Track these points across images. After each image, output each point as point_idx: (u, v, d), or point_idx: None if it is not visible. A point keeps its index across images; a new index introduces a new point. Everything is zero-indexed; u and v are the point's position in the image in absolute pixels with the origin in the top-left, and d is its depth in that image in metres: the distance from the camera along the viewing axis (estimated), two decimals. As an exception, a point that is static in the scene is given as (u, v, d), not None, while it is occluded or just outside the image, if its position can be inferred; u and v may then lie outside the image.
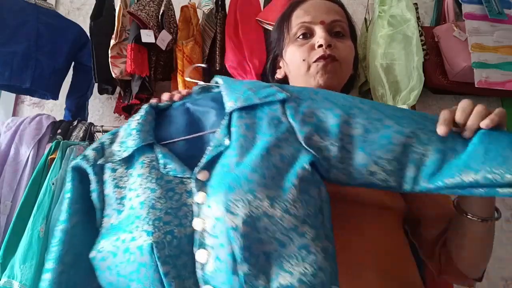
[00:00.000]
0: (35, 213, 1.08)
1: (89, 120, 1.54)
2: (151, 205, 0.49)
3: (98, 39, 1.45)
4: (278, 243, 0.43)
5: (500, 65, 1.39)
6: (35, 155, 1.30)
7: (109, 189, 0.55)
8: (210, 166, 0.51)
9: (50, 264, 0.52)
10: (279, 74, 0.79)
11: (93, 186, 0.56)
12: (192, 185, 0.51)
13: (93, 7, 1.52)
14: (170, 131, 0.61)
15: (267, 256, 0.43)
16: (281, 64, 0.78)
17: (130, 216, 0.50)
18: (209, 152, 0.52)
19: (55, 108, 1.73)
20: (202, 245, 0.46)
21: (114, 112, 1.62)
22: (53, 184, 1.13)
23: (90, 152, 0.59)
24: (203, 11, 1.54)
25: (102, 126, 1.39)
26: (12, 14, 1.42)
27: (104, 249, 0.49)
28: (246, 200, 0.43)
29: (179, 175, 0.52)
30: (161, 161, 0.54)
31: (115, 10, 1.47)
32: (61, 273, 0.51)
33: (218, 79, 0.62)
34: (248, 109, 0.55)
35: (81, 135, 1.34)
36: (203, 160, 0.52)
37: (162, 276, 0.45)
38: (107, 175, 0.56)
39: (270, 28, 1.36)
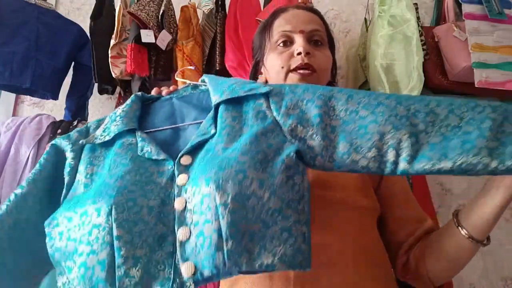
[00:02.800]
0: (35, 213, 1.08)
1: (89, 120, 1.54)
2: (120, 176, 0.51)
3: (98, 39, 1.45)
4: (263, 223, 0.44)
5: (500, 65, 1.39)
6: (35, 155, 1.30)
7: (82, 166, 0.57)
8: (193, 151, 0.53)
9: None
10: (260, 80, 0.82)
11: (69, 160, 0.58)
12: (167, 168, 0.52)
13: (93, 7, 1.52)
14: (153, 121, 0.63)
15: (251, 235, 0.44)
16: (262, 70, 0.81)
17: (97, 186, 0.51)
18: (194, 139, 0.55)
19: (55, 108, 1.73)
20: (182, 223, 0.47)
21: (114, 112, 1.62)
22: (53, 184, 1.13)
23: (74, 133, 0.62)
24: (203, 11, 1.54)
25: (102, 126, 1.39)
26: (12, 14, 1.42)
27: (61, 216, 0.50)
28: (236, 179, 0.44)
29: (153, 157, 0.54)
30: (139, 144, 0.56)
31: (115, 10, 1.47)
32: None
33: (206, 78, 0.64)
34: (234, 103, 0.57)
35: (81, 135, 1.34)
36: (188, 145, 0.54)
37: (114, 239, 0.45)
38: (85, 154, 0.59)
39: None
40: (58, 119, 1.44)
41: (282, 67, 0.72)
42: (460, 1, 1.47)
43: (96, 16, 1.50)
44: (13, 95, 1.76)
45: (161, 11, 1.43)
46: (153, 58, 1.43)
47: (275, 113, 0.55)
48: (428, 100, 0.51)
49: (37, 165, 0.59)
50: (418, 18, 1.46)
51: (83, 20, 1.69)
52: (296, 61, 0.71)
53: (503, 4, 1.46)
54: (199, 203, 0.46)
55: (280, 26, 0.76)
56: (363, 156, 0.50)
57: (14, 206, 0.54)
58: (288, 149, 0.50)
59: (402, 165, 0.49)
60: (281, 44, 0.74)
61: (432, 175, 0.51)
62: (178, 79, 0.72)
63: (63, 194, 0.56)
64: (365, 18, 1.67)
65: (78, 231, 0.47)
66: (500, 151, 0.45)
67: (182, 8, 1.54)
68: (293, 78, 0.71)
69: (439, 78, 1.53)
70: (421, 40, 1.40)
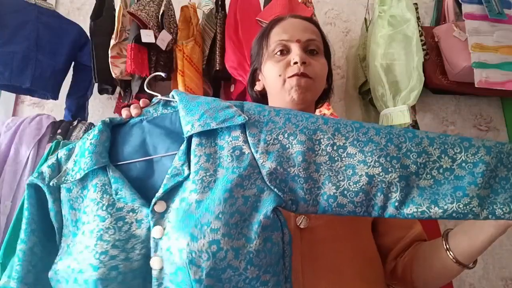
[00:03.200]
0: (35, 213, 1.08)
1: (89, 120, 1.54)
2: (99, 236, 0.49)
3: (98, 39, 1.45)
4: None
5: (500, 65, 1.39)
6: (35, 155, 1.30)
7: (65, 210, 0.55)
8: (167, 197, 0.51)
9: (13, 283, 0.53)
10: (258, 86, 0.84)
11: (50, 205, 0.56)
12: (144, 214, 0.50)
13: (93, 7, 1.52)
14: (125, 151, 0.59)
15: None
16: (260, 77, 0.83)
17: (81, 244, 0.50)
18: (166, 181, 0.51)
19: (55, 108, 1.73)
20: (161, 286, 0.47)
21: (114, 112, 1.62)
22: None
23: (45, 169, 0.58)
24: (203, 11, 1.54)
25: (102, 126, 1.39)
26: (12, 14, 1.42)
27: (59, 273, 0.50)
28: (210, 252, 0.42)
29: (129, 203, 0.51)
30: (113, 186, 0.53)
31: (115, 10, 1.47)
32: None
33: (175, 95, 0.60)
34: (207, 134, 0.53)
35: (81, 135, 1.34)
36: (160, 191, 0.51)
37: None
38: (63, 195, 0.56)
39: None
40: (58, 119, 1.44)
41: (280, 75, 0.74)
42: (460, 1, 1.47)
43: (96, 16, 1.49)
44: (13, 95, 1.76)
45: (161, 11, 1.43)
46: (153, 58, 1.42)
47: (252, 150, 0.50)
48: (420, 137, 0.48)
49: (26, 213, 0.56)
50: (418, 18, 1.46)
51: (83, 20, 1.68)
52: (293, 70, 0.73)
53: (503, 4, 1.46)
54: (174, 273, 0.45)
55: (277, 35, 0.78)
56: (350, 201, 0.48)
57: (28, 263, 0.53)
58: (266, 204, 0.47)
59: (390, 210, 0.47)
60: (278, 53, 0.76)
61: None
62: (148, 91, 0.66)
63: (57, 240, 0.55)
64: (365, 18, 1.67)
65: None
66: (491, 200, 0.45)
67: (182, 8, 1.54)
68: (291, 83, 0.73)
69: (439, 78, 1.53)
70: (421, 40, 1.40)
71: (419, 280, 0.69)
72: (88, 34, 1.51)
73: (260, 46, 0.81)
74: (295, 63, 0.73)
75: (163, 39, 1.38)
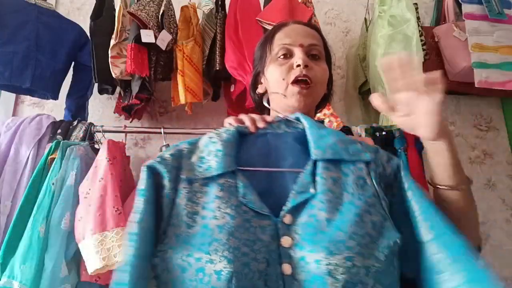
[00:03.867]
0: (35, 213, 1.08)
1: (89, 120, 1.54)
2: (231, 232, 0.50)
3: (98, 39, 1.45)
4: None
5: (500, 65, 1.39)
6: (35, 155, 1.30)
7: (181, 200, 0.55)
8: (294, 211, 0.55)
9: (126, 266, 0.49)
10: (260, 89, 0.86)
11: (167, 191, 0.56)
12: (268, 223, 0.53)
13: (93, 7, 1.52)
14: (249, 158, 0.62)
15: None
16: (262, 80, 0.85)
17: (206, 236, 0.51)
18: (294, 197, 0.55)
19: (55, 108, 1.74)
20: None
21: (114, 112, 1.62)
22: (53, 184, 1.13)
23: (167, 156, 0.59)
24: (203, 11, 1.55)
25: (102, 126, 1.39)
26: (12, 14, 1.43)
27: (172, 261, 0.50)
28: (346, 267, 0.47)
29: (256, 210, 0.54)
30: (241, 190, 0.56)
31: (115, 10, 1.47)
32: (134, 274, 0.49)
33: (302, 119, 0.66)
34: (333, 161, 0.59)
35: (81, 135, 1.35)
36: (288, 204, 0.55)
37: None
38: (182, 185, 0.57)
39: (270, 28, 1.36)
40: (58, 119, 1.44)
41: (283, 79, 0.76)
42: (460, 1, 1.47)
43: (96, 16, 1.50)
44: (13, 95, 1.76)
45: (161, 11, 1.43)
46: (153, 58, 1.43)
47: (375, 183, 0.57)
48: None
49: (144, 193, 0.54)
50: (418, 18, 1.46)
51: (83, 20, 1.69)
52: (295, 73, 0.75)
53: (503, 4, 1.46)
54: (310, 281, 0.49)
55: (280, 39, 0.80)
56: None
57: (141, 242, 0.51)
58: (391, 231, 0.53)
59: None
60: (281, 56, 0.78)
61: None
62: (267, 105, 0.75)
63: (162, 228, 0.53)
64: (365, 18, 1.67)
65: (196, 287, 0.48)
66: None
67: (182, 8, 1.54)
68: (293, 90, 0.75)
69: (439, 78, 1.53)
70: (421, 40, 1.40)
71: None
72: (88, 34, 1.51)
73: (263, 50, 0.84)
74: (298, 65, 0.75)
75: (163, 39, 1.39)
